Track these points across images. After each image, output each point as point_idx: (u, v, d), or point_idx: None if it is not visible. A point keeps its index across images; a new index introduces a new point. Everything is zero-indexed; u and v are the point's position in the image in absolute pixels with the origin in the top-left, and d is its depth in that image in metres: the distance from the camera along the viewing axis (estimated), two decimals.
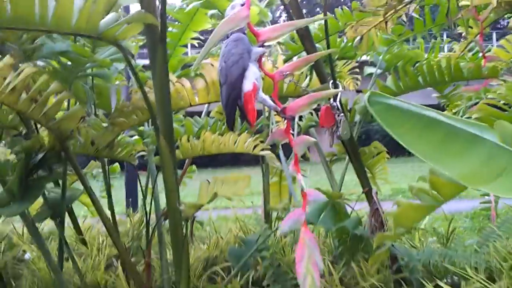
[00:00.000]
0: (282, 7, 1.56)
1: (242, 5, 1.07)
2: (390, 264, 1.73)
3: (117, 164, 3.03)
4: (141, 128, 1.93)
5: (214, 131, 1.84)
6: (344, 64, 2.94)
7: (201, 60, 0.90)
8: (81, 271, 1.91)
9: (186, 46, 2.47)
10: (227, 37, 1.06)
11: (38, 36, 1.30)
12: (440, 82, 2.16)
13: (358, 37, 1.46)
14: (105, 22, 0.96)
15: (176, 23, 2.30)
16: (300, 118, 2.49)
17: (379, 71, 2.67)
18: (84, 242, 2.46)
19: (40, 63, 1.50)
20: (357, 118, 2.19)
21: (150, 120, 1.64)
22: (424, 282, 1.52)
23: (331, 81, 1.52)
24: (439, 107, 2.52)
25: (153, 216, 2.07)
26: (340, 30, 1.95)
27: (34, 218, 1.46)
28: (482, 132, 0.89)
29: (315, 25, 2.00)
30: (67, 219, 2.10)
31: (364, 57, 2.64)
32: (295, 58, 2.12)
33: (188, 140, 1.70)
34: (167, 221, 2.04)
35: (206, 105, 2.20)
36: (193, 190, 1.74)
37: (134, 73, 1.09)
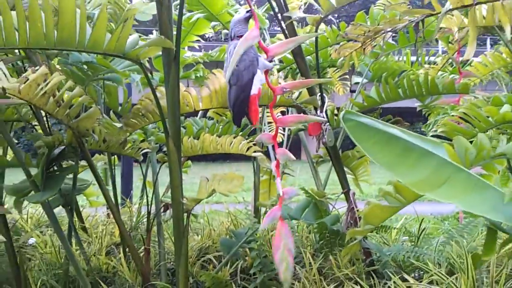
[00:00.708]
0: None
1: (248, 11, 1.26)
2: (364, 258, 1.95)
3: (115, 156, 3.22)
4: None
5: (212, 133, 2.04)
6: (334, 71, 3.15)
7: (229, 77, 1.09)
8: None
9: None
10: (231, 39, 1.25)
11: None
12: (419, 95, 2.36)
13: (342, 58, 1.67)
14: (130, 43, 1.16)
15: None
16: None
17: (365, 80, 2.90)
18: (85, 230, 2.66)
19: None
20: (343, 123, 2.39)
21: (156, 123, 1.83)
22: (391, 275, 1.73)
23: (319, 94, 1.72)
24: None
25: (151, 207, 2.26)
26: (330, 45, 2.16)
27: (51, 205, 1.65)
28: (433, 148, 1.11)
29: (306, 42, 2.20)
30: None
31: None
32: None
33: (189, 140, 1.90)
34: (163, 213, 2.25)
35: None
36: (189, 185, 1.91)
37: (151, 85, 1.29)
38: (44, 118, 1.92)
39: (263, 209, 2.63)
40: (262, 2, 2.91)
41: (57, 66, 1.73)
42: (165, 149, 2.06)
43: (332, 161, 1.85)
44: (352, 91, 3.29)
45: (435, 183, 1.03)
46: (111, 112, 1.92)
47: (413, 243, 2.24)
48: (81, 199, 3.65)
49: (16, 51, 1.49)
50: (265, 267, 2.01)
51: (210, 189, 1.46)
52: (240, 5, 2.73)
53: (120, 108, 2.22)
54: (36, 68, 1.25)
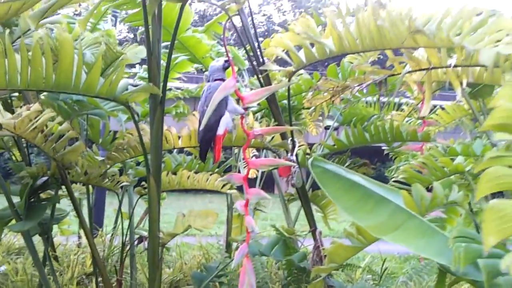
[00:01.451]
0: None
1: (226, 61, 1.39)
2: None
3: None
4: None
5: (190, 169, 2.14)
6: (308, 112, 3.31)
7: (206, 121, 1.20)
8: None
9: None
10: (208, 81, 1.37)
11: None
12: (384, 140, 2.53)
13: (312, 107, 1.82)
14: (120, 87, 1.27)
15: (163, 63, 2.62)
16: None
17: (336, 124, 3.08)
18: (56, 259, 2.67)
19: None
20: (311, 169, 2.53)
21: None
22: None
23: (290, 139, 1.85)
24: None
25: (126, 239, 2.32)
26: (304, 91, 2.32)
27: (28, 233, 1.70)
28: (390, 195, 1.24)
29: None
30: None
31: None
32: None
33: (167, 175, 2.00)
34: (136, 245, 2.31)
35: None
36: (162, 216, 1.97)
37: (136, 125, 1.40)
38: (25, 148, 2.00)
39: (234, 244, 2.71)
40: (241, 43, 3.07)
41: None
42: (142, 183, 2.15)
43: (301, 201, 1.97)
44: (326, 128, 3.46)
45: (390, 227, 1.15)
46: (93, 145, 2.00)
47: (375, 282, 2.35)
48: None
49: None
50: None
51: (186, 225, 1.55)
52: (221, 45, 2.89)
53: (101, 140, 2.30)
54: (30, 105, 1.34)
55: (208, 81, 1.41)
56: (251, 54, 1.74)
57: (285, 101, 2.59)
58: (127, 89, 1.28)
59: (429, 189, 1.35)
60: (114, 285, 2.13)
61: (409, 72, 1.42)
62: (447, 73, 1.35)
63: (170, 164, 2.13)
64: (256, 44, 1.74)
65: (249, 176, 1.46)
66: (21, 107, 1.40)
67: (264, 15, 30.17)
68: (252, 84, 2.83)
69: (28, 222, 1.53)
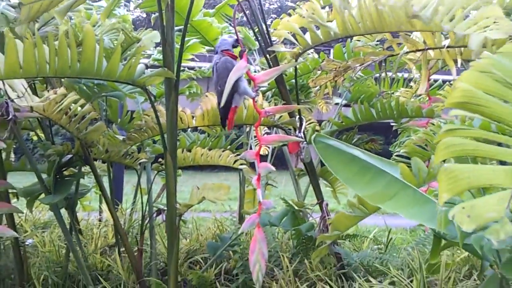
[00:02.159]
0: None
1: (236, 40, 1.49)
2: (336, 262, 2.18)
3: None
4: None
5: (203, 146, 2.27)
6: (313, 92, 3.40)
7: (224, 101, 1.32)
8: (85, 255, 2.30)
9: None
10: (216, 52, 1.48)
11: None
12: (390, 117, 2.62)
13: (317, 87, 1.92)
14: (137, 72, 1.39)
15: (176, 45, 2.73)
16: None
17: (344, 101, 3.17)
18: (80, 232, 2.85)
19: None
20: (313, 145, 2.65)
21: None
22: (358, 278, 1.97)
23: (298, 117, 1.96)
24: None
25: (145, 211, 2.47)
26: (310, 71, 2.41)
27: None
28: (387, 167, 1.35)
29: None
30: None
31: None
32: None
33: (182, 152, 2.13)
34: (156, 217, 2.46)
35: None
36: (178, 193, 2.10)
37: (154, 108, 1.52)
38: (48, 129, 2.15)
39: (247, 217, 2.85)
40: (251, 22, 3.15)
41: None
42: (159, 159, 2.29)
43: (309, 175, 2.09)
44: (336, 104, 3.55)
45: (385, 197, 1.27)
46: (113, 125, 2.13)
47: (381, 251, 2.48)
48: None
49: None
50: (246, 268, 2.23)
51: (200, 196, 1.69)
52: (232, 26, 2.97)
53: (119, 120, 2.44)
54: (56, 89, 1.47)
55: (216, 52, 1.52)
56: (260, 37, 1.84)
57: (294, 81, 2.70)
58: (144, 73, 1.40)
59: None
60: (135, 254, 2.30)
61: (406, 52, 1.50)
62: (442, 53, 1.43)
63: (185, 142, 2.26)
64: (264, 27, 1.83)
65: (261, 153, 1.57)
66: (48, 90, 1.53)
67: None
68: (262, 64, 2.92)
69: (56, 196, 1.68)
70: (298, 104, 2.03)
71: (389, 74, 3.24)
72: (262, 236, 1.35)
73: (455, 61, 1.48)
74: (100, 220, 3.58)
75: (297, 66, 2.05)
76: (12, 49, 1.10)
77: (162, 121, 1.63)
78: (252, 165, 2.17)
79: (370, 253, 2.25)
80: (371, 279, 1.95)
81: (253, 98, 1.46)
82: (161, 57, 2.69)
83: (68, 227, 2.16)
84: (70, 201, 2.07)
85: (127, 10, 2.53)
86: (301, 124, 1.95)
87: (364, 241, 2.83)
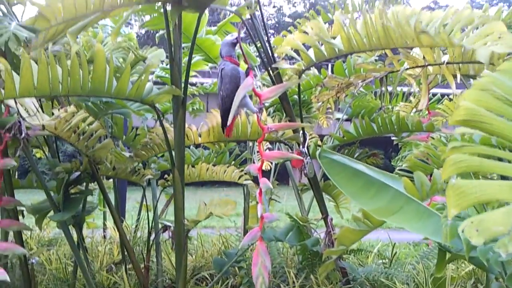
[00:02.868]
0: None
1: (235, 38, 1.54)
2: (341, 277, 2.19)
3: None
4: None
5: (208, 162, 2.30)
6: (316, 107, 3.44)
7: (233, 115, 1.37)
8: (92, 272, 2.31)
9: None
10: (221, 56, 1.53)
11: None
12: (391, 131, 2.65)
13: (320, 103, 1.96)
14: (146, 90, 1.42)
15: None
16: None
17: (345, 116, 3.21)
18: (85, 250, 2.86)
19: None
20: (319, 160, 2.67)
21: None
22: None
23: (301, 132, 2.00)
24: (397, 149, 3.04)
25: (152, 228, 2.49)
26: (312, 87, 2.46)
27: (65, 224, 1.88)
28: (390, 181, 1.38)
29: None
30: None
31: None
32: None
33: (187, 168, 2.16)
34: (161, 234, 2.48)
35: None
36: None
37: (162, 125, 1.56)
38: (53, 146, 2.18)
39: None
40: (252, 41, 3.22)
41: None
42: (165, 176, 2.32)
43: (313, 190, 2.11)
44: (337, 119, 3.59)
45: (390, 211, 1.29)
46: (120, 142, 2.16)
47: (386, 266, 2.49)
48: None
49: None
50: (252, 285, 2.23)
51: (208, 212, 1.71)
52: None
53: (124, 137, 2.47)
54: (66, 107, 1.51)
55: (221, 55, 1.57)
56: (263, 54, 1.88)
57: (296, 96, 2.74)
58: (152, 91, 1.44)
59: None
60: (142, 271, 2.30)
61: (407, 69, 1.54)
62: (442, 69, 1.47)
63: (190, 158, 2.29)
64: (267, 44, 1.88)
65: (263, 168, 1.60)
66: (58, 109, 1.57)
67: (274, 6, 30.22)
68: (264, 80, 2.97)
69: (66, 213, 1.71)
70: (301, 119, 2.07)
71: (389, 88, 3.29)
72: (264, 249, 1.35)
73: (454, 76, 1.52)
74: (104, 237, 3.59)
75: (300, 83, 2.09)
76: (28, 70, 1.14)
77: (169, 138, 1.66)
78: (256, 180, 2.20)
79: (375, 267, 2.26)
80: None
81: (257, 114, 1.50)
82: (164, 74, 2.75)
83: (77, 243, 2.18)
84: (78, 218, 2.09)
85: (130, 28, 2.59)
86: (304, 139, 1.98)
87: (368, 256, 2.84)
